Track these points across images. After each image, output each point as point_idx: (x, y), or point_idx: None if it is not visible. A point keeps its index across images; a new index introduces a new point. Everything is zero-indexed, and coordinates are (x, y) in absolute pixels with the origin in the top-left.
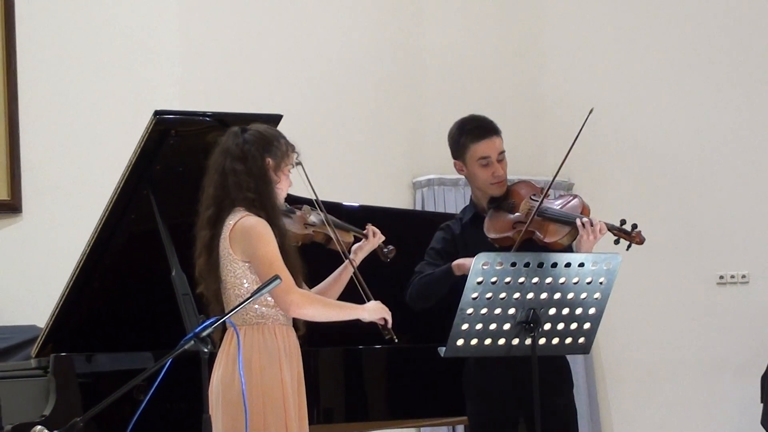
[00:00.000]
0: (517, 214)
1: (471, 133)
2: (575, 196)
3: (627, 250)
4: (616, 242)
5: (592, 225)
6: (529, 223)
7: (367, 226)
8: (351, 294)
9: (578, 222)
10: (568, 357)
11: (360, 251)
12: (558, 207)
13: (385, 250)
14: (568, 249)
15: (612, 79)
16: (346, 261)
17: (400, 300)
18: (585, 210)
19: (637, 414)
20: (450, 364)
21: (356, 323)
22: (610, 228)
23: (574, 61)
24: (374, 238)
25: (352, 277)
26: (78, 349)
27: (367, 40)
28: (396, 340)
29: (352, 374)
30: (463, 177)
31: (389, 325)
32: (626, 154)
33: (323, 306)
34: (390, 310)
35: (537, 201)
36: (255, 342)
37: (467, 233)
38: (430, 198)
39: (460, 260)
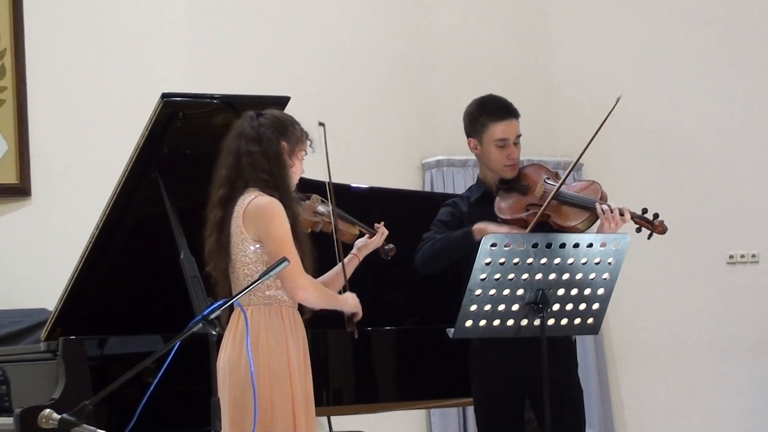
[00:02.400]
0: (531, 196)
1: (493, 113)
2: (593, 182)
3: (648, 239)
4: (638, 230)
5: (612, 211)
6: (546, 206)
7: (377, 226)
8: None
9: (599, 208)
10: (578, 338)
11: (364, 248)
12: (575, 191)
13: (387, 248)
14: None
15: (622, 60)
16: (351, 254)
17: (414, 283)
18: (603, 197)
19: (647, 394)
20: (459, 346)
21: (364, 305)
22: (633, 216)
23: (584, 43)
24: (378, 236)
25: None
26: (87, 332)
27: (376, 21)
28: (356, 337)
29: (361, 356)
30: (472, 158)
31: (357, 319)
32: (635, 134)
33: (324, 296)
34: (402, 296)
35: (552, 184)
36: (262, 322)
37: (474, 212)
38: (439, 179)
39: (481, 224)
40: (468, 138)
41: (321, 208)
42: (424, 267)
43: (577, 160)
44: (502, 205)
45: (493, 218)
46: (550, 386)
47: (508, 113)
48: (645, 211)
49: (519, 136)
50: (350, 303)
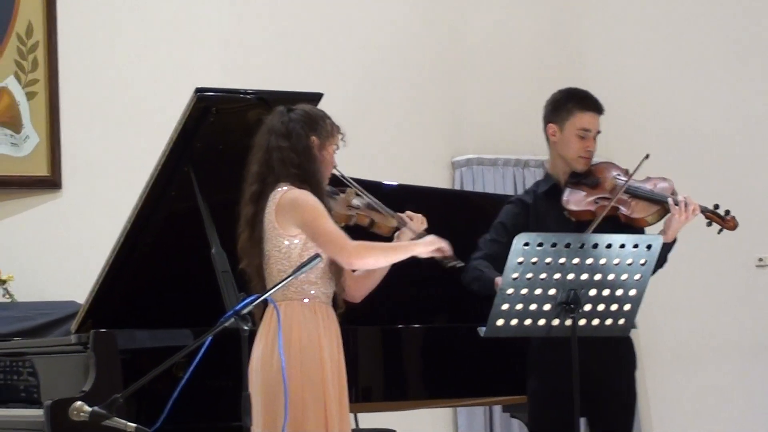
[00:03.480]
0: (601, 189)
1: (582, 102)
2: (665, 179)
3: (719, 233)
4: (708, 224)
5: (686, 204)
6: (616, 198)
7: (410, 214)
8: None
9: (671, 201)
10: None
11: (403, 236)
12: (647, 187)
13: (453, 263)
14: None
15: (655, 60)
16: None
17: (444, 281)
18: (674, 193)
19: (674, 397)
20: (490, 345)
21: (395, 302)
22: (704, 210)
23: (616, 43)
24: (415, 222)
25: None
26: (117, 325)
27: (408, 19)
28: (462, 264)
29: (391, 353)
30: (502, 156)
31: (448, 253)
32: (665, 135)
33: (382, 252)
34: (433, 294)
35: (623, 179)
36: (295, 318)
37: (540, 204)
38: (469, 178)
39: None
40: (548, 124)
41: (356, 201)
42: (466, 286)
43: (643, 159)
44: (572, 197)
45: (560, 211)
46: (607, 387)
47: (596, 106)
48: (717, 206)
49: (599, 132)
50: (425, 245)
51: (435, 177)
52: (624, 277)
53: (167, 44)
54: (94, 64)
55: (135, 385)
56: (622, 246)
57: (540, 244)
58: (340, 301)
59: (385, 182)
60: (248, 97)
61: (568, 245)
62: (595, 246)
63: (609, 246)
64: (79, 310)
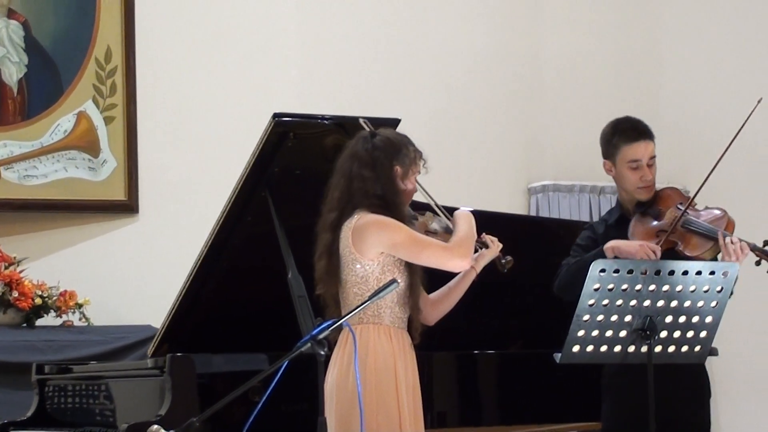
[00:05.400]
0: (662, 221)
1: (624, 134)
2: (721, 210)
3: None
4: (758, 263)
5: (734, 243)
6: (670, 233)
7: (483, 235)
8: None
9: (721, 239)
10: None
11: (481, 259)
12: (704, 219)
13: (503, 261)
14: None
15: (732, 86)
16: (468, 268)
17: (519, 308)
18: (729, 224)
19: (749, 425)
20: (565, 372)
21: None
22: (753, 248)
23: (692, 68)
24: (494, 245)
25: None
26: (193, 349)
27: (486, 45)
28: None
29: (466, 378)
30: (579, 183)
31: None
32: (747, 160)
33: (468, 246)
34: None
35: (682, 210)
36: (371, 342)
37: (611, 234)
38: (545, 204)
39: (613, 242)
40: (604, 160)
41: (434, 225)
42: (563, 292)
43: (701, 186)
44: (636, 229)
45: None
46: (681, 416)
47: (639, 134)
48: (766, 243)
49: (653, 157)
50: (490, 251)
51: (511, 203)
52: (700, 304)
53: (245, 69)
54: (172, 89)
55: (211, 410)
56: (699, 273)
57: (616, 271)
58: (417, 325)
59: (461, 208)
60: (326, 122)
61: (644, 272)
62: (672, 273)
63: (685, 273)
64: (156, 334)
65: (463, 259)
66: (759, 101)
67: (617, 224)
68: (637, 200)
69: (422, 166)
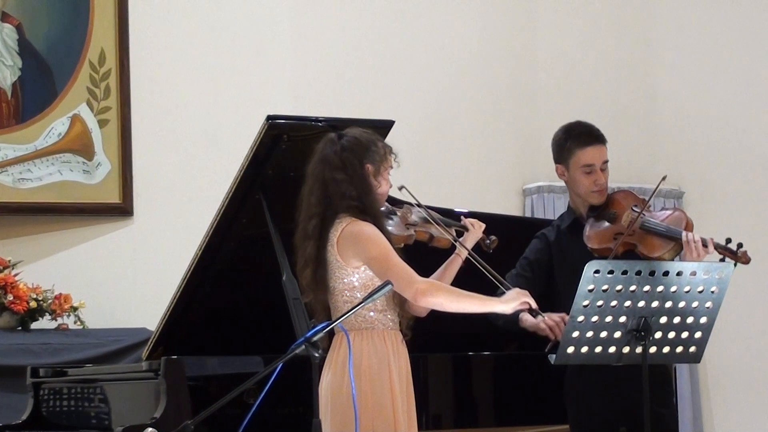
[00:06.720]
0: (618, 224)
1: (578, 138)
2: (678, 210)
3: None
4: (722, 260)
5: (696, 242)
6: (629, 234)
7: (463, 219)
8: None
9: (684, 238)
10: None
11: (465, 243)
12: (661, 220)
13: (488, 241)
14: None
15: (725, 88)
16: (454, 254)
17: None
18: (688, 225)
19: (742, 426)
20: (559, 372)
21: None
22: (716, 246)
23: (686, 70)
24: (476, 228)
25: (482, 271)
26: (188, 352)
27: (479, 46)
28: (544, 316)
29: (461, 380)
30: None
31: (533, 306)
32: (737, 161)
33: (456, 296)
34: None
35: (638, 212)
36: (364, 347)
37: (564, 240)
38: (540, 205)
39: (525, 316)
40: (556, 164)
41: (413, 217)
42: (495, 324)
43: (657, 187)
44: (591, 233)
45: (583, 246)
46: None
47: (593, 139)
48: (728, 241)
49: (606, 161)
50: (508, 300)
51: (506, 204)
52: (695, 304)
53: (239, 72)
54: (166, 92)
55: (206, 412)
56: (693, 273)
57: (610, 272)
58: (404, 327)
59: (456, 209)
60: (319, 124)
61: (638, 273)
62: (666, 273)
63: (680, 273)
64: (150, 337)
65: (425, 296)
66: (663, 178)
67: (570, 229)
68: (590, 204)
69: (393, 160)
